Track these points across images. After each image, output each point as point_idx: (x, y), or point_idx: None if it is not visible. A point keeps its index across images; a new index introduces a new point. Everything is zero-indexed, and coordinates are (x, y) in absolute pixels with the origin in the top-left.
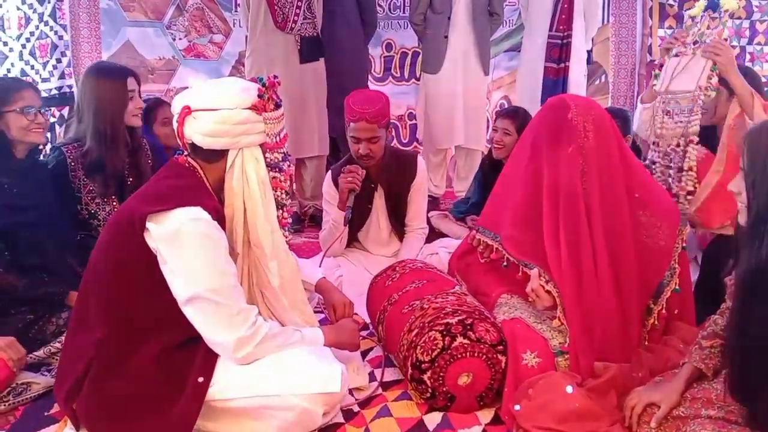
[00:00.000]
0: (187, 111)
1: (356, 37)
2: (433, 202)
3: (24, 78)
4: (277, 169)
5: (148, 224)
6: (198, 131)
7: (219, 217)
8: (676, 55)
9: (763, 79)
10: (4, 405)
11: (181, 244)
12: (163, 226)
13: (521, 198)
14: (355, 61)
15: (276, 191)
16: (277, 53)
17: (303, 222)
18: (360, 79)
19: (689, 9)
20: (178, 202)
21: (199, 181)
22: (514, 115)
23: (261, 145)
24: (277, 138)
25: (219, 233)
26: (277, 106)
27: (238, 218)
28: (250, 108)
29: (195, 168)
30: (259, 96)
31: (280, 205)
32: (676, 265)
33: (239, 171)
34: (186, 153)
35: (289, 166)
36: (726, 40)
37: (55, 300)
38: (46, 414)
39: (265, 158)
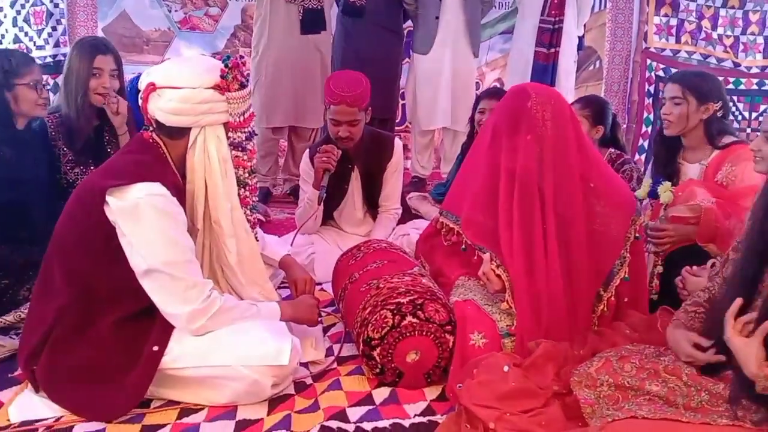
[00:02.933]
0: (152, 87)
1: (397, 17)
2: (419, 183)
3: (18, 45)
4: (240, 149)
5: (107, 198)
6: (161, 108)
7: (178, 192)
8: None
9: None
10: None
11: (139, 218)
12: (122, 200)
13: (480, 183)
14: (390, 42)
15: (238, 170)
16: (280, 22)
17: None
18: (393, 64)
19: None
20: (137, 177)
21: (162, 156)
22: (498, 95)
23: (224, 124)
24: (241, 118)
25: (177, 208)
26: (242, 86)
27: (199, 195)
28: (213, 87)
29: (158, 144)
30: (222, 77)
31: (241, 184)
32: (627, 255)
33: (201, 149)
34: (151, 128)
35: (253, 145)
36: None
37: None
38: (9, 375)
39: (228, 137)
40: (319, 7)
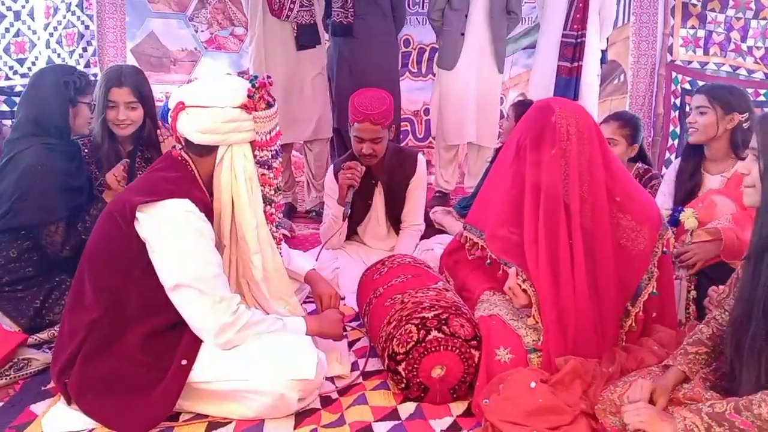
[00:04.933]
0: (180, 106)
1: (389, 31)
2: (443, 198)
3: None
4: (266, 167)
5: (138, 214)
6: (190, 127)
7: (206, 209)
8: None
9: None
10: (6, 379)
11: (169, 234)
12: (151, 217)
13: (505, 197)
14: (385, 57)
15: (264, 187)
16: (275, 40)
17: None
18: (389, 78)
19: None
20: (167, 194)
21: (191, 174)
22: (524, 106)
23: (251, 143)
24: (268, 136)
25: (205, 224)
26: (269, 105)
27: (225, 212)
28: (239, 107)
29: (187, 161)
30: (249, 96)
31: (267, 201)
32: (654, 269)
33: (228, 167)
34: (180, 147)
35: (279, 163)
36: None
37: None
38: (43, 388)
39: (255, 155)
40: (313, 22)
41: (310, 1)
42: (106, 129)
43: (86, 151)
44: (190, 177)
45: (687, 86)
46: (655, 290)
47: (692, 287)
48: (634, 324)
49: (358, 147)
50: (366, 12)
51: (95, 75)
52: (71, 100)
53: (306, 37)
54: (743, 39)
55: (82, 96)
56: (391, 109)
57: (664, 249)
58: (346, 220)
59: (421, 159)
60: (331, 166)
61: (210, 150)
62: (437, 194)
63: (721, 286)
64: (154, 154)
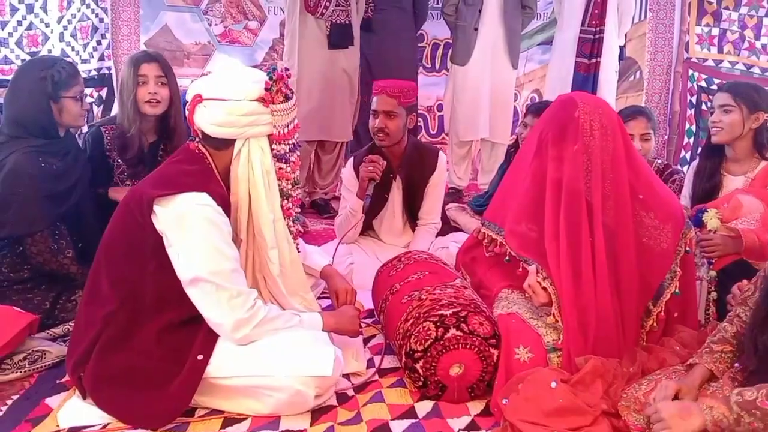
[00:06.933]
0: (198, 99)
1: (408, 26)
2: (456, 194)
3: (65, 59)
4: (283, 161)
5: (155, 207)
6: (207, 120)
7: (224, 203)
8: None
9: None
10: (20, 371)
11: (186, 227)
12: (169, 210)
13: (525, 193)
14: (403, 51)
15: (281, 182)
16: (311, 36)
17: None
18: (409, 69)
19: None
20: (184, 187)
21: (208, 167)
22: (542, 112)
23: (268, 136)
24: (285, 130)
25: (222, 218)
26: (287, 98)
27: (242, 206)
28: (257, 100)
29: (205, 154)
30: (266, 89)
31: (284, 195)
32: (677, 268)
33: (245, 160)
34: (198, 139)
35: (297, 157)
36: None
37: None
38: (57, 382)
39: (272, 149)
40: (347, 22)
41: (347, 1)
42: (137, 110)
43: (108, 139)
44: (207, 170)
45: (703, 84)
46: (677, 290)
47: (712, 288)
48: (655, 324)
49: (372, 122)
50: (385, 7)
51: (109, 68)
52: (51, 96)
53: (338, 37)
54: (757, 37)
55: (65, 90)
56: (411, 91)
57: (687, 248)
58: (364, 214)
59: (442, 157)
60: (351, 158)
61: (227, 143)
62: (450, 190)
63: (745, 282)
64: (178, 143)
